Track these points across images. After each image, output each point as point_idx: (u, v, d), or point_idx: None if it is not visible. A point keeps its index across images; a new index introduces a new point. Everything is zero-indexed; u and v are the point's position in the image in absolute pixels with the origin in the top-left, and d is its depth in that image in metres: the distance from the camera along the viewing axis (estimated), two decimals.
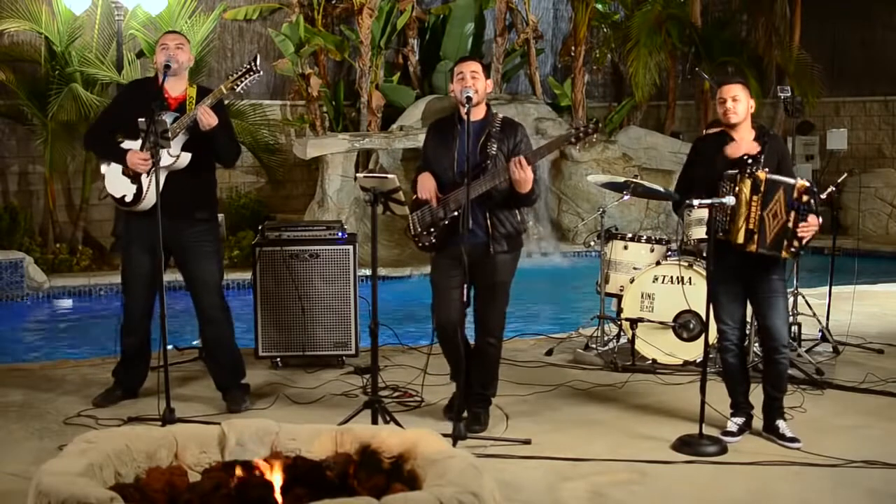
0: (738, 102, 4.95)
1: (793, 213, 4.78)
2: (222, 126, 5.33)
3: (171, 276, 5.84)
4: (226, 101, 5.48)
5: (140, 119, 4.97)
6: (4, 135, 11.33)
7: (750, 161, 4.88)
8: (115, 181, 5.40)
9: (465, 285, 4.81)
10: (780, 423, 5.01)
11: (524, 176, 4.84)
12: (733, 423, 5.08)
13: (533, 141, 5.18)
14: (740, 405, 5.13)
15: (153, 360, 5.57)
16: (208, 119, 5.20)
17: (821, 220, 4.89)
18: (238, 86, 5.26)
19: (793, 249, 4.82)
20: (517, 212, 5.11)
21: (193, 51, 9.75)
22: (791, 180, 4.85)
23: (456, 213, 4.96)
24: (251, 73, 5.24)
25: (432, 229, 5.06)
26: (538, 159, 5.01)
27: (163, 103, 5.27)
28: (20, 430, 5.15)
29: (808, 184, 4.84)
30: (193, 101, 5.34)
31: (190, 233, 5.42)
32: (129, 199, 5.36)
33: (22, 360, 7.06)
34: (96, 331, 8.59)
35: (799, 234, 4.79)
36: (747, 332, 5.40)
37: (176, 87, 5.40)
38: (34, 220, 11.21)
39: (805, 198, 4.79)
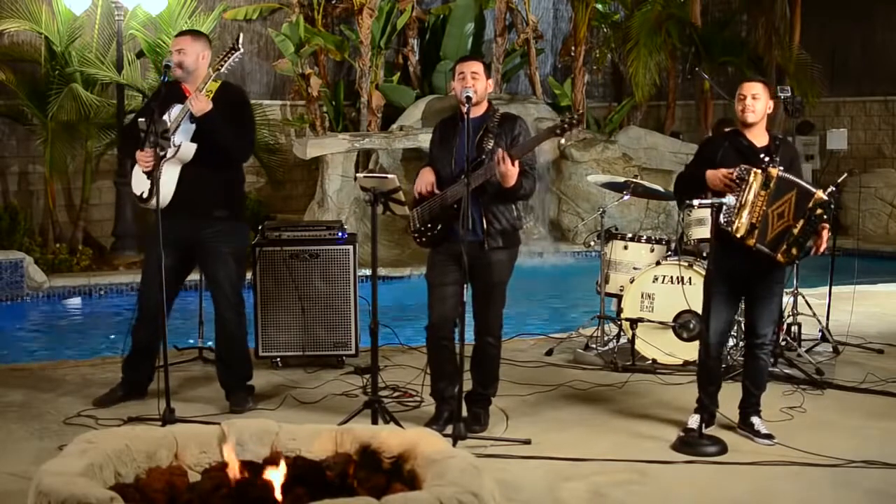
0: (758, 101, 4.89)
1: (801, 222, 4.75)
2: (226, 115, 5.31)
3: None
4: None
5: (140, 119, 4.99)
6: (4, 135, 11.32)
7: (765, 156, 4.83)
8: (137, 178, 5.48)
9: (464, 285, 4.80)
10: (756, 420, 5.03)
11: (503, 170, 4.78)
12: (694, 420, 4.96)
13: None
14: (704, 403, 5.00)
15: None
16: (199, 104, 5.19)
17: (828, 234, 4.86)
18: (223, 66, 5.30)
19: (791, 254, 4.81)
20: (513, 207, 5.05)
21: None
22: (811, 188, 4.80)
23: (455, 207, 4.92)
24: (234, 52, 5.29)
25: (430, 224, 5.05)
26: (522, 154, 4.88)
27: (168, 98, 5.28)
28: (20, 430, 5.14)
29: (826, 197, 4.79)
30: (211, 96, 5.34)
31: (207, 232, 5.43)
32: (144, 195, 5.43)
33: (22, 360, 7.05)
34: (96, 331, 8.59)
35: (809, 246, 4.76)
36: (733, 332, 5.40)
37: (193, 87, 5.41)
38: (34, 220, 11.19)
39: (819, 210, 4.76)
